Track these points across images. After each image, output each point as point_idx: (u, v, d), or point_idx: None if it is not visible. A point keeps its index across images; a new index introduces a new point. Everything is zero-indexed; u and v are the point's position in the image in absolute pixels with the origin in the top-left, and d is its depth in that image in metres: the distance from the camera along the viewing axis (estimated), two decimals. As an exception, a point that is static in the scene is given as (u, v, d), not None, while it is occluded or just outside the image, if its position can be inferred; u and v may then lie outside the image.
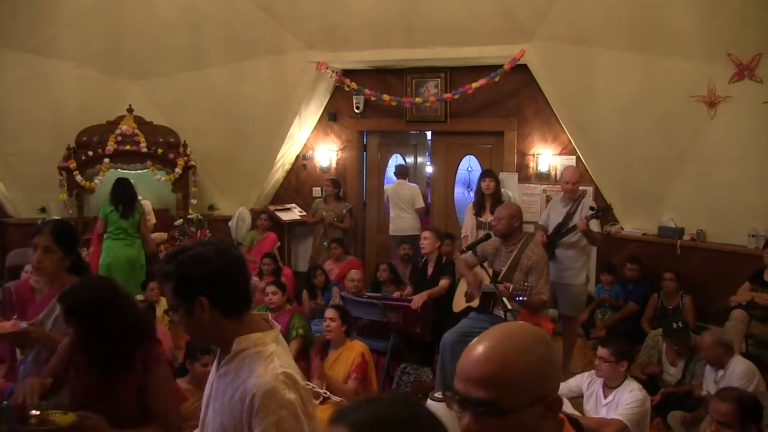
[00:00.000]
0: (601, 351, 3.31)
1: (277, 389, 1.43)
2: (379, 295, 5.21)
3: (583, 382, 3.48)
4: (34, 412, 1.89)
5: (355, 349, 3.91)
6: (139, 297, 5.31)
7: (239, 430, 1.46)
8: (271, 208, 7.42)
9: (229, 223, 7.04)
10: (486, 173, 5.40)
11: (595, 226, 4.57)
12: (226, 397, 1.50)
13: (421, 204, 6.82)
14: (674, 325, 4.18)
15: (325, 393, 3.50)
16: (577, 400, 3.56)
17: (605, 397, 3.30)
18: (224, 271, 1.52)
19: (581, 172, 6.00)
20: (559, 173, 6.19)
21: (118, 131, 6.52)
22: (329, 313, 3.96)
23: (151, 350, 2.15)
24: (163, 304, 5.35)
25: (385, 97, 6.61)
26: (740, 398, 2.77)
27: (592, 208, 4.54)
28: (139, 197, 6.90)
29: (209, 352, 3.58)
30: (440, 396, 3.15)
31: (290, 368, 1.52)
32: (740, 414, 2.69)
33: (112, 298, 2.15)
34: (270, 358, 1.50)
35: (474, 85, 6.25)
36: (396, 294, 5.30)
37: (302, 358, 4.33)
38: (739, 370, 3.56)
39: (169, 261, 1.52)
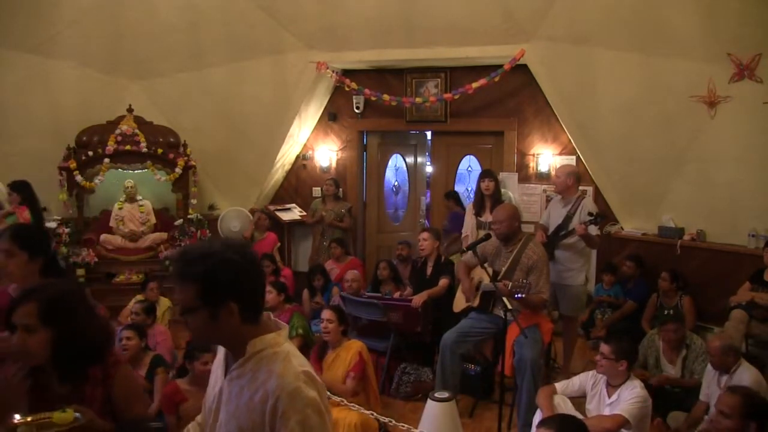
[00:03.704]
0: (603, 347, 3.31)
1: (300, 389, 1.44)
2: (379, 295, 5.21)
3: (587, 382, 3.47)
4: (17, 418, 1.68)
5: (353, 348, 3.91)
6: (139, 297, 5.31)
7: (260, 430, 1.46)
8: (271, 208, 7.42)
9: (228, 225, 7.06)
10: (485, 173, 5.40)
11: (593, 230, 4.57)
12: (242, 399, 1.48)
13: None
14: (665, 312, 4.19)
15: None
16: (579, 399, 3.57)
17: (609, 397, 3.30)
18: (252, 276, 1.51)
19: (581, 172, 6.01)
20: (559, 173, 6.20)
21: (118, 131, 6.52)
22: (326, 314, 3.96)
23: (110, 354, 1.98)
24: (162, 304, 5.35)
25: (385, 97, 6.61)
26: (748, 395, 2.78)
27: (590, 214, 4.54)
28: (139, 197, 6.94)
29: (209, 350, 3.58)
30: (440, 396, 3.15)
31: (307, 366, 1.54)
32: (744, 409, 2.69)
33: (84, 295, 2.01)
34: (287, 358, 1.51)
35: (474, 85, 6.25)
36: (396, 294, 5.31)
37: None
38: (746, 380, 3.50)
39: (194, 262, 1.45)
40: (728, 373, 3.59)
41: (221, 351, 1.61)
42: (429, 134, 7.84)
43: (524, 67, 6.19)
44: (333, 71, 6.76)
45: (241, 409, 1.48)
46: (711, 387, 3.69)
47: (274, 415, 1.42)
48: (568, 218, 4.75)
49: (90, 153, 6.46)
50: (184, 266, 1.46)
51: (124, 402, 1.91)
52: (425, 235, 5.22)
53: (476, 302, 4.30)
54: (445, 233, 6.11)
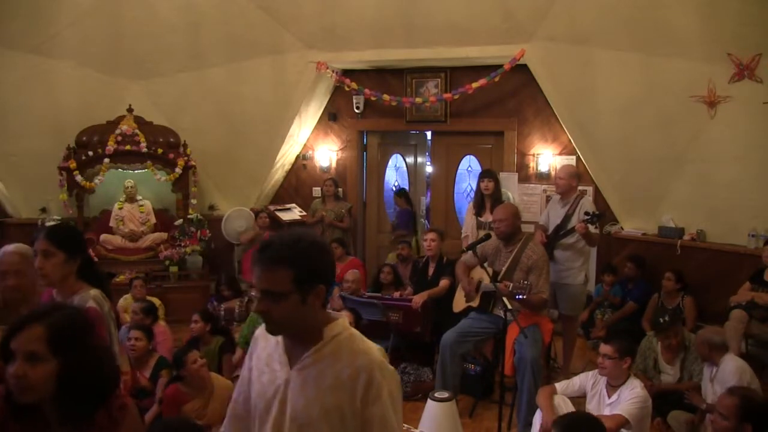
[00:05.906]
0: (604, 348, 3.30)
1: (384, 363, 1.58)
2: (379, 294, 5.20)
3: (587, 382, 3.47)
4: None
5: None
6: (127, 296, 5.30)
7: (348, 407, 1.51)
8: (271, 208, 7.42)
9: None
10: (485, 173, 5.40)
11: (591, 228, 4.58)
12: (324, 381, 1.52)
13: None
14: (660, 320, 4.21)
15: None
16: (579, 399, 3.57)
17: (609, 397, 3.30)
18: (332, 259, 1.62)
19: (581, 172, 6.01)
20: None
21: (118, 131, 6.52)
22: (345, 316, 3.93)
23: (116, 396, 1.69)
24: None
25: (385, 97, 6.61)
26: (746, 396, 2.79)
27: (587, 213, 4.55)
28: (139, 197, 6.94)
29: (199, 348, 3.55)
30: (440, 396, 3.15)
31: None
32: (740, 411, 2.70)
33: (92, 322, 1.75)
34: (363, 338, 1.63)
35: (474, 85, 6.25)
36: (396, 294, 5.30)
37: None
38: (729, 369, 3.59)
39: (287, 247, 1.49)
40: (716, 365, 3.68)
41: (271, 344, 1.62)
42: (429, 134, 7.82)
43: (524, 67, 6.18)
44: (333, 71, 6.76)
45: (324, 390, 1.52)
46: (705, 382, 3.78)
47: (368, 389, 1.51)
48: (567, 218, 4.75)
49: (90, 153, 6.46)
50: (277, 252, 1.49)
51: None
52: (432, 235, 5.20)
53: (476, 302, 4.30)
54: (393, 230, 6.48)
